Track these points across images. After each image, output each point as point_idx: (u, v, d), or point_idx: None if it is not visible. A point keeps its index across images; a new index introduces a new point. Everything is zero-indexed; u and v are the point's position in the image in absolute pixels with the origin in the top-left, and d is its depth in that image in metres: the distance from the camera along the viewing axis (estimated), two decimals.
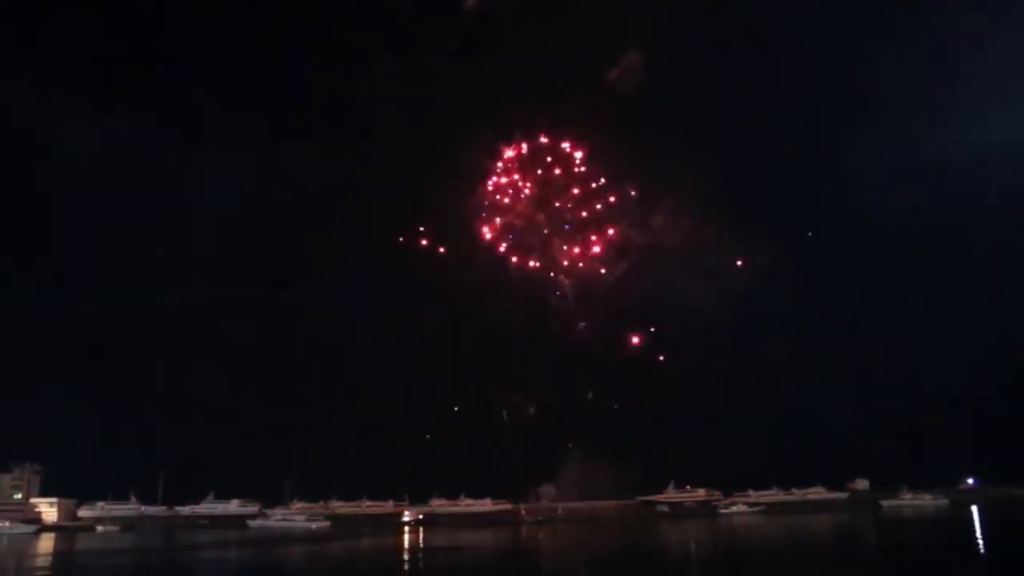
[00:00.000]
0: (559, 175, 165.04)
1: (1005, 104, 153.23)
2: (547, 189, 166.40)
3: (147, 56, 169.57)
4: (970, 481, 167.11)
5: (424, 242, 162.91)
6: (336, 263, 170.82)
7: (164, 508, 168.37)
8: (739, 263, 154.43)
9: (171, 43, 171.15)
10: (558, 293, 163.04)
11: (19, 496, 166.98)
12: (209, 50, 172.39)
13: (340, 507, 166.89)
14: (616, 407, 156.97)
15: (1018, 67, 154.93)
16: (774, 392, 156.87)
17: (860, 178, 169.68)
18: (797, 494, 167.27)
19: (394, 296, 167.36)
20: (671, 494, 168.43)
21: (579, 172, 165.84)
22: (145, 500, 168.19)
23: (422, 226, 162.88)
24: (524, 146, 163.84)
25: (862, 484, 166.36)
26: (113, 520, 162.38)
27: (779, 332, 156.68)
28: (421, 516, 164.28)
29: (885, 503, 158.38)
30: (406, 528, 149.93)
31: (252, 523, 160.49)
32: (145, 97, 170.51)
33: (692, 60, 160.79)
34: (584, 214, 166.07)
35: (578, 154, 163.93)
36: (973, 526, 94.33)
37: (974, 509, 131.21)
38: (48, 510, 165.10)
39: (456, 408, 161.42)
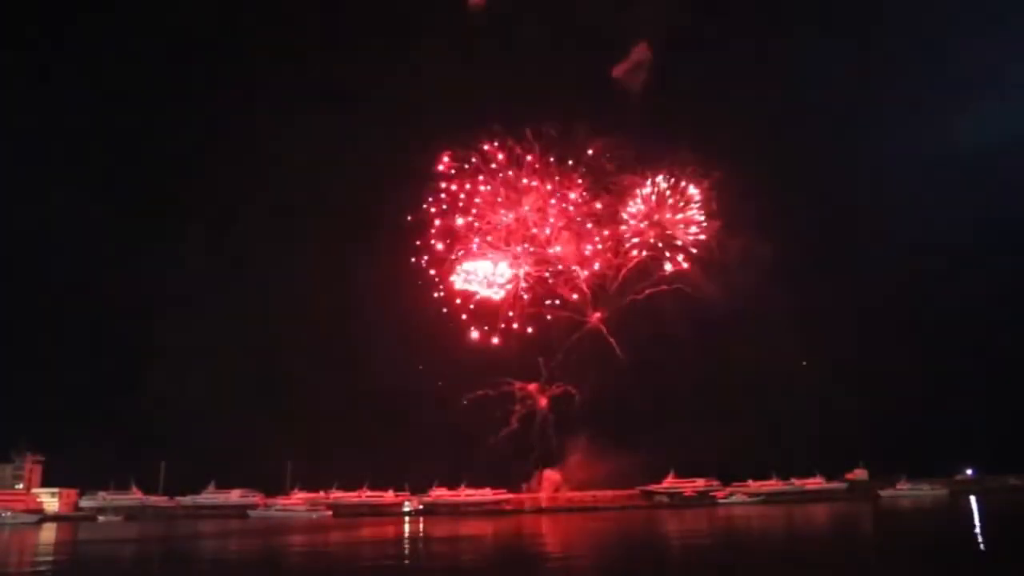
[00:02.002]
0: (571, 167, 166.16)
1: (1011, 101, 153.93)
2: (559, 181, 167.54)
3: None
4: (968, 471, 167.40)
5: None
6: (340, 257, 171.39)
7: (165, 498, 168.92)
8: (743, 258, 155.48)
9: None
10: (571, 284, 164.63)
11: (21, 486, 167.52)
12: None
13: (341, 496, 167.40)
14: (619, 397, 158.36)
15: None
16: (774, 383, 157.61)
17: (862, 172, 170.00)
18: (796, 484, 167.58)
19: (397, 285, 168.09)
20: (671, 484, 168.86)
21: (589, 164, 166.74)
22: (146, 490, 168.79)
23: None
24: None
25: (860, 474, 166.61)
26: (115, 510, 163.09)
27: (780, 323, 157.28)
28: (421, 505, 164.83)
29: (883, 493, 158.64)
30: (406, 517, 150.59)
31: (253, 512, 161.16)
32: None
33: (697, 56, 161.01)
34: (597, 206, 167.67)
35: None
36: (972, 516, 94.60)
37: (972, 499, 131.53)
38: (50, 500, 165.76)
39: (465, 402, 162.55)
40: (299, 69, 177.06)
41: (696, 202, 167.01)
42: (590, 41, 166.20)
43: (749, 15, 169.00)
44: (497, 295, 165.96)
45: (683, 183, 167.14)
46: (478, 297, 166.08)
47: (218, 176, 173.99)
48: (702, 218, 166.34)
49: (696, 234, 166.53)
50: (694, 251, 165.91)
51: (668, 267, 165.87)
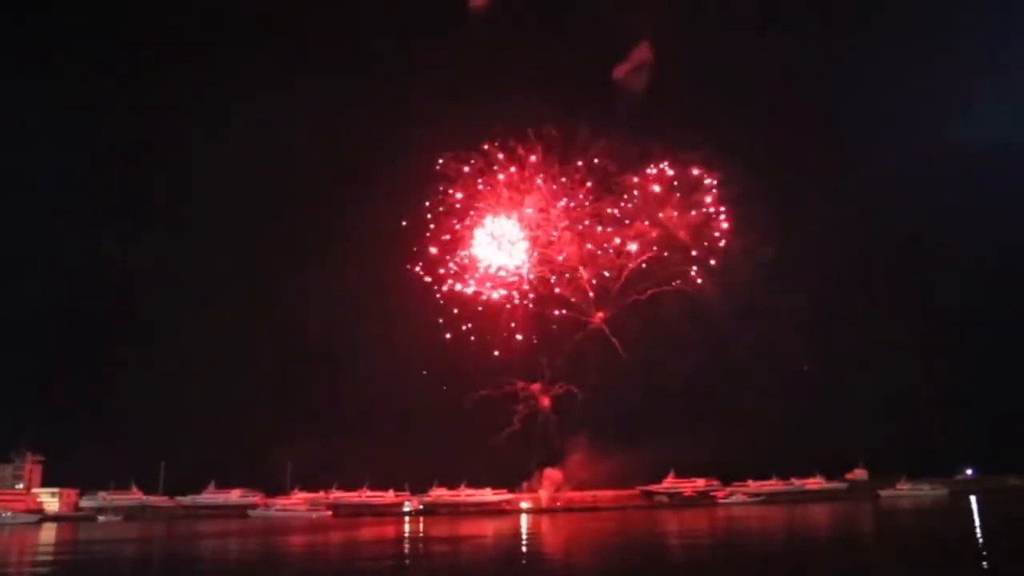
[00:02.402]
0: (573, 167, 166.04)
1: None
2: (563, 182, 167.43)
3: None
4: (968, 471, 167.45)
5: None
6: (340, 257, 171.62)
7: (165, 498, 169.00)
8: (745, 257, 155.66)
9: None
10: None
11: (21, 486, 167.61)
12: None
13: (341, 496, 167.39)
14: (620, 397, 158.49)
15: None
16: (774, 384, 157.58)
17: (860, 171, 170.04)
18: (796, 484, 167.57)
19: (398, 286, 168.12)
20: (671, 484, 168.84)
21: (592, 165, 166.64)
22: (146, 490, 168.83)
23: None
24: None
25: (860, 474, 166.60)
26: (115, 510, 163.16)
27: (781, 323, 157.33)
28: (421, 505, 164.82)
29: (883, 493, 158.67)
30: (406, 517, 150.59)
31: (253, 512, 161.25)
32: None
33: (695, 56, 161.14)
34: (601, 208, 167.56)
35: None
36: (972, 516, 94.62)
37: (972, 499, 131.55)
38: (50, 500, 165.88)
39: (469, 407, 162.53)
40: (298, 70, 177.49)
41: (698, 202, 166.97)
42: (590, 41, 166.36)
43: (750, 14, 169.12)
44: (505, 292, 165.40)
45: (685, 183, 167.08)
46: (486, 288, 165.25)
47: (218, 178, 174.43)
48: (709, 218, 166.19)
49: (698, 235, 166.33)
50: (695, 253, 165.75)
51: (675, 281, 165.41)
